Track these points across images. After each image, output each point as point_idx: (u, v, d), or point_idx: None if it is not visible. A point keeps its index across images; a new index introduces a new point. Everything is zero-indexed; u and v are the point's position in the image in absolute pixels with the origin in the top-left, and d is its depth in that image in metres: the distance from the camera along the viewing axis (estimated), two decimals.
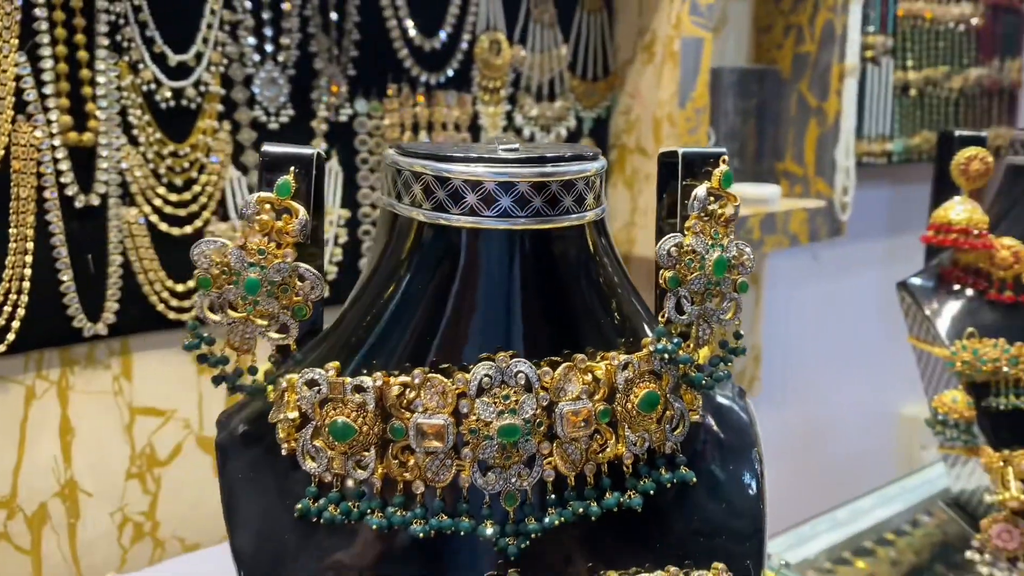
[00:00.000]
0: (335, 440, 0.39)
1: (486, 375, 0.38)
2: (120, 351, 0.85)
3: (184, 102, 0.83)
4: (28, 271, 0.76)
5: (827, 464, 1.59)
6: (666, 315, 0.42)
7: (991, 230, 0.75)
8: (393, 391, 0.39)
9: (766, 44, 1.35)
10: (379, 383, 0.39)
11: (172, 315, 0.85)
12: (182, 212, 0.85)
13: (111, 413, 0.85)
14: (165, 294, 0.85)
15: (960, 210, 0.74)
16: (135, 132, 0.81)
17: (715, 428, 0.45)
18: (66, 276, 0.79)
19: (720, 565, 0.40)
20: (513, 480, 0.39)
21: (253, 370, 0.41)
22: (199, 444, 0.91)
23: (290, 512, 0.40)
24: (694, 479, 0.43)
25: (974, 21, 1.53)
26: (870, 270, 1.57)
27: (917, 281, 0.78)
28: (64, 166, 0.77)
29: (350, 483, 0.40)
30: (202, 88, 0.84)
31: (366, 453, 0.39)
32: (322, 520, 0.40)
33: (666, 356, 0.41)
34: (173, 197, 0.84)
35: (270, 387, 0.42)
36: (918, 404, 0.96)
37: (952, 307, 0.75)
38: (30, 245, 0.76)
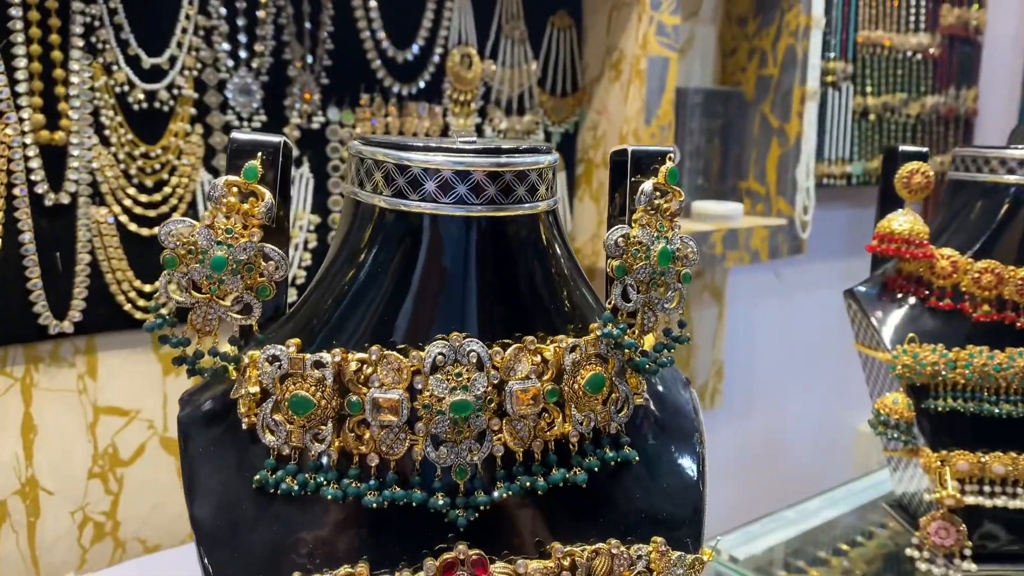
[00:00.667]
0: (294, 414, 0.40)
1: (440, 353, 0.40)
2: (86, 350, 0.85)
3: (157, 104, 0.85)
4: None
5: (786, 476, 1.62)
6: (612, 302, 0.44)
7: (933, 242, 0.78)
8: (351, 367, 0.40)
9: (731, 67, 1.39)
10: (337, 359, 0.40)
11: (139, 315, 0.86)
12: (152, 213, 0.85)
13: (75, 412, 0.86)
14: (132, 294, 0.85)
15: (903, 221, 0.77)
16: (107, 132, 0.82)
17: (659, 413, 0.47)
18: (33, 273, 0.79)
19: (659, 539, 0.42)
20: (464, 454, 0.41)
21: (214, 352, 0.42)
22: (162, 445, 0.91)
23: (249, 484, 0.41)
24: (636, 458, 0.45)
25: (932, 50, 1.58)
26: (830, 288, 1.61)
27: (863, 289, 0.81)
28: (35, 164, 0.78)
29: (308, 456, 0.42)
30: (175, 91, 0.85)
31: (324, 427, 0.41)
32: (279, 491, 0.41)
33: (612, 340, 0.43)
34: (143, 198, 0.85)
35: (231, 366, 0.43)
36: None
37: (895, 314, 0.78)
38: None
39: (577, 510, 0.43)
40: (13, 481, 0.83)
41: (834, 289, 1.64)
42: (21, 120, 0.77)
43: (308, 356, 0.41)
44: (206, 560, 0.39)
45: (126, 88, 0.83)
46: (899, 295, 0.78)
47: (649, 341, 0.45)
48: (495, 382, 0.41)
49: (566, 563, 0.41)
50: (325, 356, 0.40)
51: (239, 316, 0.42)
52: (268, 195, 0.42)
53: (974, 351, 0.73)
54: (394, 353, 0.40)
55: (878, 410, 0.73)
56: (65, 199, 0.80)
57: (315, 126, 0.94)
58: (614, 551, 0.42)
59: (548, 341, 0.43)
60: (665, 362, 0.45)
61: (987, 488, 0.72)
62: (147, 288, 0.86)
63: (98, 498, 0.88)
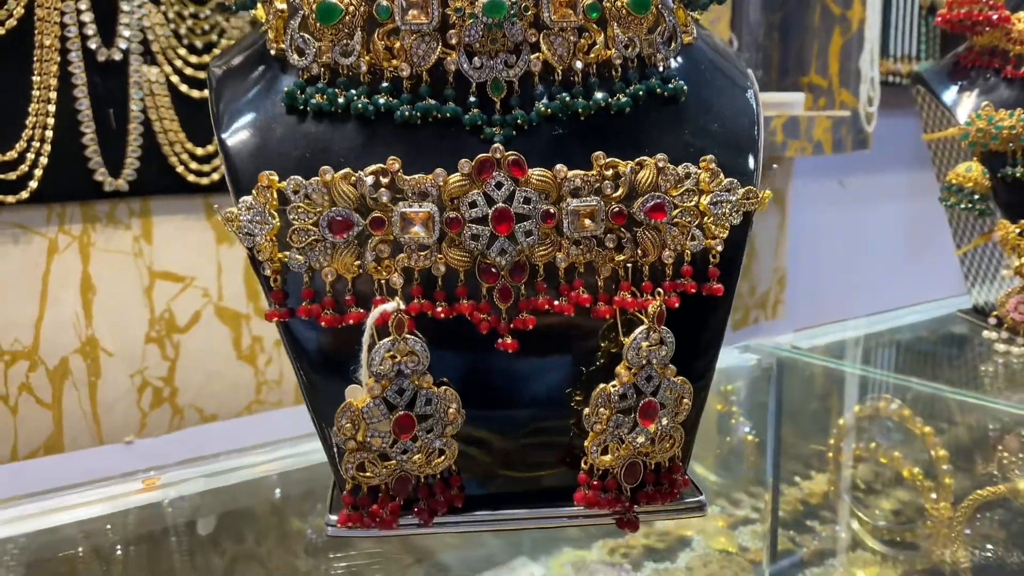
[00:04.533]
0: (322, 24, 0.39)
1: None
2: (140, 212, 0.86)
3: None
4: (51, 120, 0.78)
5: None
6: None
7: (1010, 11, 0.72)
8: None
9: None
10: None
11: (192, 178, 0.86)
12: (203, 75, 0.85)
13: (131, 274, 0.86)
14: (185, 156, 0.86)
15: None
16: None
17: (711, 58, 0.44)
18: (88, 129, 0.80)
19: (710, 156, 0.40)
20: (500, 69, 0.38)
21: None
22: (217, 314, 0.92)
23: (279, 107, 0.40)
24: (685, 89, 0.42)
25: None
26: (896, 198, 1.55)
27: (932, 71, 0.76)
28: (87, 18, 0.79)
29: (339, 75, 0.40)
30: None
31: (351, 40, 0.39)
32: (309, 107, 0.40)
33: None
34: (193, 59, 0.85)
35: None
36: None
37: (968, 91, 0.73)
38: (53, 95, 0.78)
39: (620, 138, 0.40)
40: (74, 339, 0.84)
41: (901, 199, 1.57)
42: None
43: None
44: (239, 184, 0.38)
45: None
46: (972, 71, 0.73)
47: None
48: None
49: (608, 173, 0.39)
50: None
51: None
52: None
53: None
54: None
55: (950, 181, 0.68)
56: (117, 56, 0.81)
57: None
58: (660, 164, 0.39)
59: None
60: None
61: None
62: (199, 151, 0.86)
63: (156, 363, 0.89)
